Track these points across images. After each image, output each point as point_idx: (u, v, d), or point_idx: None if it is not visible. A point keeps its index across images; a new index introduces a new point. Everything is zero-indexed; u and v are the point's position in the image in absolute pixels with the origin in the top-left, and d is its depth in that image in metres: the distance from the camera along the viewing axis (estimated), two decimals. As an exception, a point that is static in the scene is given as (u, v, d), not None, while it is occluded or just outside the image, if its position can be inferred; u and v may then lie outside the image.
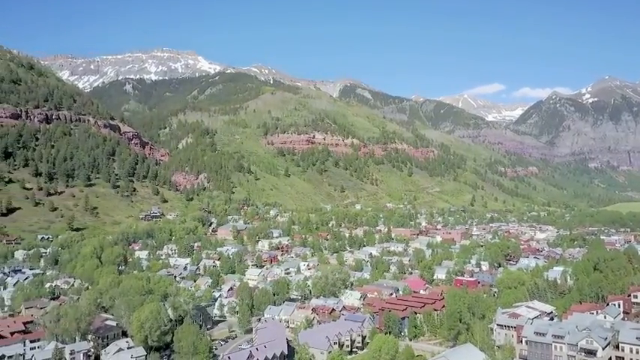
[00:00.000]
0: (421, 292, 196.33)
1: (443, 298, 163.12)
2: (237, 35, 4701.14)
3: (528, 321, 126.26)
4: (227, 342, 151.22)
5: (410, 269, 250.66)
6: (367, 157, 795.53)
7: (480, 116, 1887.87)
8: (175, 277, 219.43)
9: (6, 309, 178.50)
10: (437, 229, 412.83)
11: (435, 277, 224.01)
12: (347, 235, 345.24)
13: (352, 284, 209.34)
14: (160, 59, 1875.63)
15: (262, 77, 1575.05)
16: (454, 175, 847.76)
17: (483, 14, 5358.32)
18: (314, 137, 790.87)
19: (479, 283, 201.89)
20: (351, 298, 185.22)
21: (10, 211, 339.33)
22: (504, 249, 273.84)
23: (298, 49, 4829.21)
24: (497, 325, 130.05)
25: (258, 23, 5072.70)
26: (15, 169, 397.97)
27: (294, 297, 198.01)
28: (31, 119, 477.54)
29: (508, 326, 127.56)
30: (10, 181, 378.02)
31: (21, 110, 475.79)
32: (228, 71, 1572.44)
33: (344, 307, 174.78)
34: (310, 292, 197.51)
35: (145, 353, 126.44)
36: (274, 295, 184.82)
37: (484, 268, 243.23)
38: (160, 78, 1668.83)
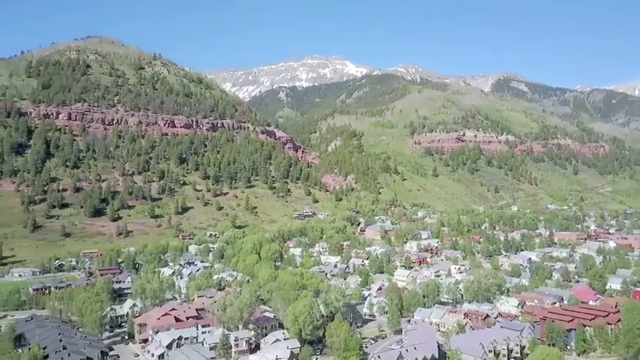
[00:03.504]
0: (590, 302, 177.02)
1: (618, 310, 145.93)
2: (383, 37, 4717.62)
3: None
4: (377, 341, 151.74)
5: (576, 277, 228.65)
6: (524, 155, 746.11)
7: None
8: (326, 274, 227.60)
9: (182, 296, 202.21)
10: (609, 234, 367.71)
11: (607, 287, 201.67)
12: (502, 238, 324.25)
13: (508, 290, 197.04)
14: (310, 66, 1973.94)
15: (408, 77, 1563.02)
16: (630, 172, 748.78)
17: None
18: (464, 135, 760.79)
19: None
20: (507, 304, 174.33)
21: (185, 210, 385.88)
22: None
23: (445, 45, 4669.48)
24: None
25: (402, 23, 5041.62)
26: (188, 173, 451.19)
27: (445, 300, 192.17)
28: (200, 128, 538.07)
29: None
30: (185, 183, 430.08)
31: (192, 120, 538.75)
32: (375, 73, 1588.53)
33: (499, 313, 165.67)
34: (462, 297, 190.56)
35: (300, 345, 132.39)
36: (424, 297, 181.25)
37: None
38: (310, 84, 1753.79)
